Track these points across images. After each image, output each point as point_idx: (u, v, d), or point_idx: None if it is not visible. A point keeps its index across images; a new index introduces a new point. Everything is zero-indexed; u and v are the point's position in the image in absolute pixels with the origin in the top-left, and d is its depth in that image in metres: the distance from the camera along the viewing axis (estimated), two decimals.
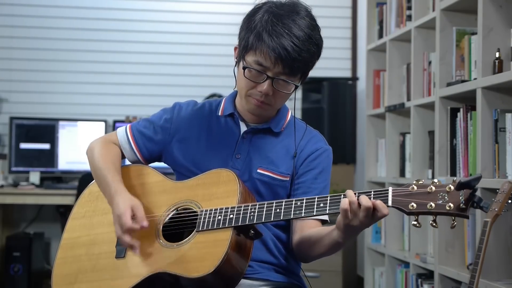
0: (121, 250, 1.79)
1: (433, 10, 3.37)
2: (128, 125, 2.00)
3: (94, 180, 1.95)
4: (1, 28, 4.88)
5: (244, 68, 1.77)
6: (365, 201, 1.55)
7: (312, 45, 1.77)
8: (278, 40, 1.71)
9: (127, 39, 4.99)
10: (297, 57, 1.73)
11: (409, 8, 3.73)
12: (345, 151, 4.64)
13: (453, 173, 3.00)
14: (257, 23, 1.75)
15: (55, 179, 4.66)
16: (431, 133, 3.41)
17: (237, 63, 1.84)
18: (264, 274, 1.84)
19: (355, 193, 1.58)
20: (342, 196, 1.60)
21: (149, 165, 1.99)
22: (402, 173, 3.85)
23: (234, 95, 1.96)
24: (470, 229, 2.90)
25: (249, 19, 1.79)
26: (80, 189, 2.05)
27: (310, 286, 1.93)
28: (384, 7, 4.14)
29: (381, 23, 4.20)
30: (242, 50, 1.78)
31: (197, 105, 1.99)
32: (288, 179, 1.88)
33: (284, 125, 1.93)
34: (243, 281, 1.76)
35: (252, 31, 1.75)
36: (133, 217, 1.72)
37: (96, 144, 1.96)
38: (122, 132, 1.98)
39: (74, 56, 4.94)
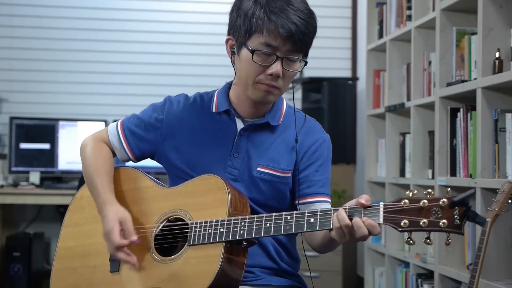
0: (115, 264, 1.78)
1: (433, 10, 3.37)
2: (119, 122, 1.95)
3: (84, 184, 1.92)
4: (1, 28, 4.88)
5: (252, 52, 1.69)
6: (359, 226, 1.49)
7: (313, 19, 1.74)
8: (285, 16, 1.66)
9: (127, 39, 4.99)
10: (305, 30, 1.70)
11: (409, 8, 3.73)
12: (345, 151, 4.64)
13: (453, 173, 3.01)
14: (253, 5, 1.70)
15: (55, 179, 4.66)
16: (431, 133, 3.42)
17: (236, 53, 1.77)
18: (266, 279, 1.83)
19: (345, 209, 1.53)
20: (332, 211, 1.55)
21: (142, 162, 1.98)
22: (402, 173, 3.85)
23: (227, 89, 1.89)
24: (470, 229, 2.90)
25: (240, 5, 1.74)
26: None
27: (312, 282, 1.92)
28: (384, 7, 4.14)
29: (381, 23, 4.20)
30: (244, 35, 1.71)
31: (188, 99, 1.92)
32: (289, 175, 1.84)
33: (281, 118, 1.88)
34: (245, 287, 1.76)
35: (253, 14, 1.69)
36: (122, 231, 1.72)
37: (87, 144, 1.93)
38: (113, 130, 1.94)
39: (74, 56, 4.94)
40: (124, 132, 1.92)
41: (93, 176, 1.85)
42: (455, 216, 1.42)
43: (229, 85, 1.90)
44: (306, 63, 1.76)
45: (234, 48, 1.78)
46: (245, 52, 1.73)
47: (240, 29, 1.73)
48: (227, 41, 1.81)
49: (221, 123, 1.86)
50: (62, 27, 4.94)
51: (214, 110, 1.87)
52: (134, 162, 1.95)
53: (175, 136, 1.88)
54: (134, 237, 1.71)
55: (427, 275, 3.43)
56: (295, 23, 1.67)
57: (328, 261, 4.20)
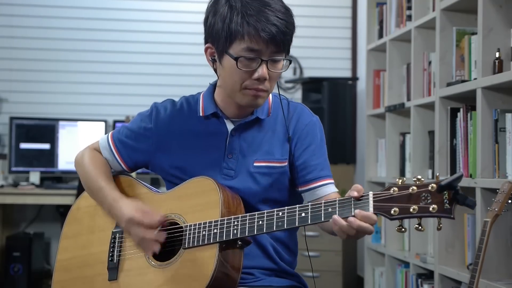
0: (113, 273, 1.79)
1: (433, 10, 3.37)
2: (110, 135, 1.93)
3: (81, 194, 1.93)
4: (1, 28, 4.89)
5: (236, 59, 1.66)
6: (357, 225, 1.48)
7: (291, 16, 1.71)
8: (264, 18, 1.64)
9: (127, 39, 5.00)
10: (286, 30, 1.67)
11: (409, 8, 3.73)
12: (345, 151, 4.64)
13: (453, 173, 3.00)
14: (229, 11, 1.66)
15: (55, 179, 4.66)
16: (431, 133, 3.42)
17: (218, 61, 1.74)
18: (266, 280, 1.82)
19: (334, 202, 1.52)
20: (322, 204, 1.54)
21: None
22: (402, 173, 3.85)
23: (211, 91, 1.86)
24: (470, 229, 2.90)
25: (215, 12, 1.71)
26: (80, 189, 2.03)
27: (314, 281, 1.92)
28: (384, 7, 4.14)
29: (381, 23, 4.20)
30: (225, 43, 1.67)
31: (175, 105, 1.89)
32: (285, 164, 1.82)
33: (270, 110, 1.86)
34: None
35: (231, 20, 1.65)
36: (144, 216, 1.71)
37: (83, 154, 1.92)
38: (104, 143, 1.92)
39: (74, 56, 4.94)
40: (116, 144, 1.91)
41: (95, 180, 1.85)
42: (445, 201, 1.42)
43: (213, 87, 1.87)
44: (290, 61, 1.75)
45: (214, 56, 1.75)
46: (227, 59, 1.69)
47: (219, 37, 1.69)
48: (206, 49, 1.77)
49: (211, 126, 1.84)
50: (62, 27, 4.94)
51: (201, 114, 1.85)
52: (128, 172, 1.94)
53: (166, 144, 1.86)
54: (159, 217, 1.70)
55: (427, 275, 3.43)
56: (276, 25, 1.65)
57: (328, 261, 4.20)
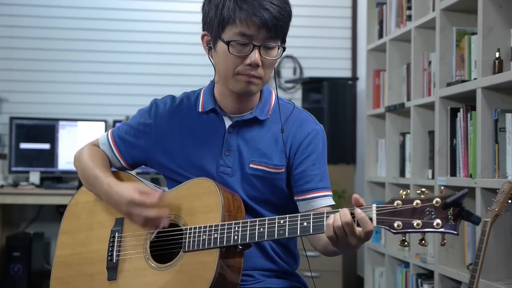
0: (112, 272, 1.78)
1: (433, 10, 3.37)
2: (109, 131, 1.94)
3: (80, 189, 1.92)
4: (1, 28, 4.89)
5: (227, 43, 1.67)
6: (344, 215, 1.47)
7: (287, 3, 1.71)
8: (257, 3, 1.65)
9: (127, 39, 5.00)
10: (279, 15, 1.67)
11: (409, 8, 3.73)
12: (345, 151, 4.64)
13: (453, 173, 3.01)
14: None
15: (55, 179, 4.66)
16: (431, 133, 3.42)
17: (212, 48, 1.74)
18: (266, 282, 1.82)
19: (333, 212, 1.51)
20: (325, 215, 1.53)
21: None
22: (402, 173, 3.85)
23: (211, 87, 1.86)
24: (470, 229, 2.90)
25: None
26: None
27: (313, 281, 1.92)
28: (384, 7, 4.14)
29: (381, 23, 4.20)
30: (218, 27, 1.69)
31: (175, 101, 1.89)
32: (283, 170, 1.80)
33: (270, 111, 1.83)
34: None
35: (224, 5, 1.67)
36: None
37: (82, 150, 1.93)
38: (103, 140, 1.93)
39: (74, 56, 4.94)
40: (115, 140, 1.91)
41: (91, 170, 1.84)
42: (449, 216, 1.39)
43: (213, 83, 1.87)
44: (284, 49, 1.74)
45: (210, 44, 1.76)
46: (220, 45, 1.70)
47: (213, 23, 1.70)
48: (202, 37, 1.78)
49: (209, 122, 1.84)
50: (62, 27, 4.94)
51: (200, 110, 1.85)
52: (128, 169, 1.94)
53: (164, 140, 1.86)
54: (158, 193, 1.68)
55: (427, 275, 3.43)
56: (268, 9, 1.65)
57: (328, 261, 4.19)
